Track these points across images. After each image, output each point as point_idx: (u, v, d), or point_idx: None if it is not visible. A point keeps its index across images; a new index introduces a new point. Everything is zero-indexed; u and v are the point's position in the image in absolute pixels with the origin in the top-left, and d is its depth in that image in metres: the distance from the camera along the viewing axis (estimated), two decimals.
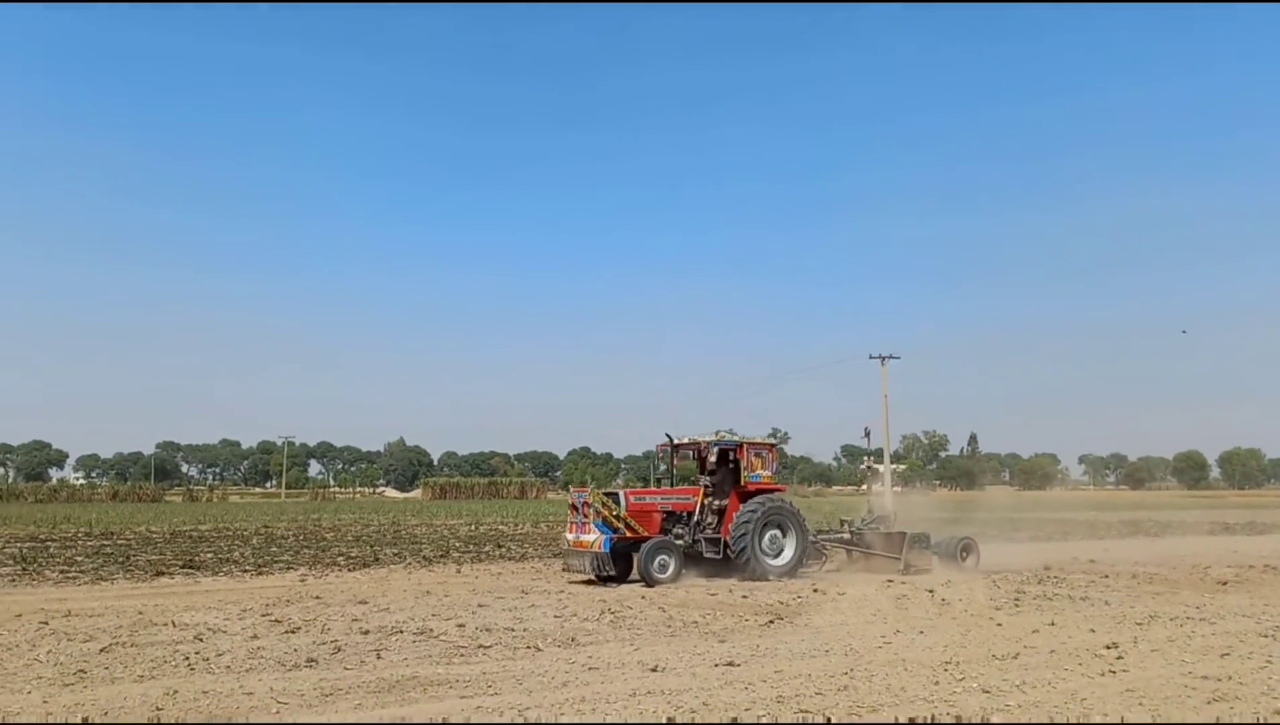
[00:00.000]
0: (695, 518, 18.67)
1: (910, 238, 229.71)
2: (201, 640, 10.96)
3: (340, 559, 23.40)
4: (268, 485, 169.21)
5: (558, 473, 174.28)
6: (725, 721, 7.03)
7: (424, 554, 24.82)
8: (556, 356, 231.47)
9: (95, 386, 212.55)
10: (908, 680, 8.86)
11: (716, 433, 19.41)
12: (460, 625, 12.06)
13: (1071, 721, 7.32)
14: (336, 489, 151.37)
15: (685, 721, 7.04)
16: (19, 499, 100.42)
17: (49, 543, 29.36)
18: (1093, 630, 11.75)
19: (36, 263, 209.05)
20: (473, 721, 7.32)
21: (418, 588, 16.89)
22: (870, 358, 66.49)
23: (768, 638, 11.38)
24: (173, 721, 7.34)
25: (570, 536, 18.29)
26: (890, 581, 16.94)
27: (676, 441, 19.74)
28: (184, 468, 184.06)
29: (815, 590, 15.74)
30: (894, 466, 76.57)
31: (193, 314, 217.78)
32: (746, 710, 7.72)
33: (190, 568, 21.05)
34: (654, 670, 9.33)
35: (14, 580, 18.66)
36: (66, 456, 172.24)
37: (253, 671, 9.34)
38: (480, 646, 10.69)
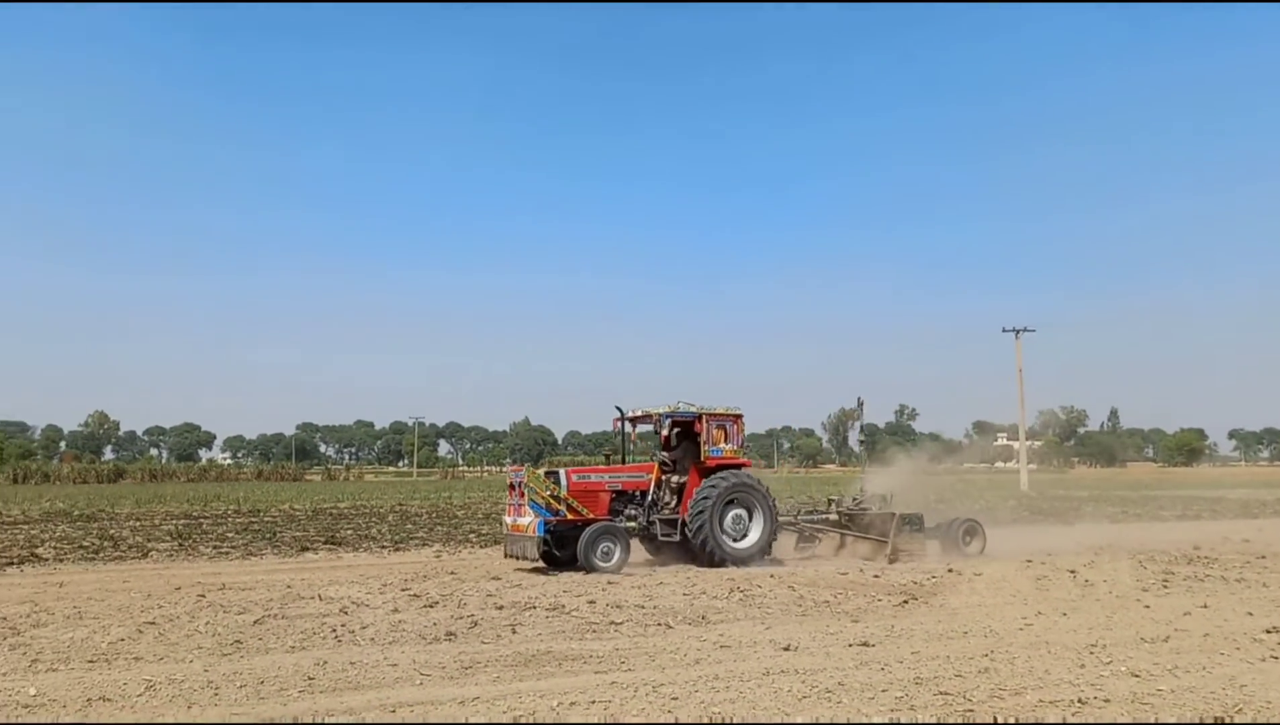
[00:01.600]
0: (650, 497, 17.14)
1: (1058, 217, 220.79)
2: (346, 613, 11.39)
3: (472, 536, 24.00)
4: (400, 464, 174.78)
5: None
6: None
7: None
8: (682, 332, 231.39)
9: (239, 371, 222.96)
10: (1051, 663, 8.58)
11: (671, 405, 17.60)
12: (591, 602, 12.21)
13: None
14: (465, 468, 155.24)
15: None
16: (172, 478, 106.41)
17: (201, 520, 30.99)
18: (1250, 613, 11.15)
19: (182, 261, 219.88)
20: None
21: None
22: (1004, 331, 64.61)
23: (902, 618, 11.17)
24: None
25: (509, 519, 16.94)
26: (1029, 562, 16.40)
27: (629, 414, 18.09)
28: (322, 448, 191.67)
29: (950, 570, 15.36)
30: (1030, 443, 74.29)
31: (326, 303, 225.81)
32: (884, 691, 7.60)
33: (332, 544, 21.92)
34: (786, 649, 9.27)
35: (172, 555, 19.77)
36: (214, 438, 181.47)
37: (395, 644, 9.66)
38: (612, 623, 10.81)
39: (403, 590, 13.45)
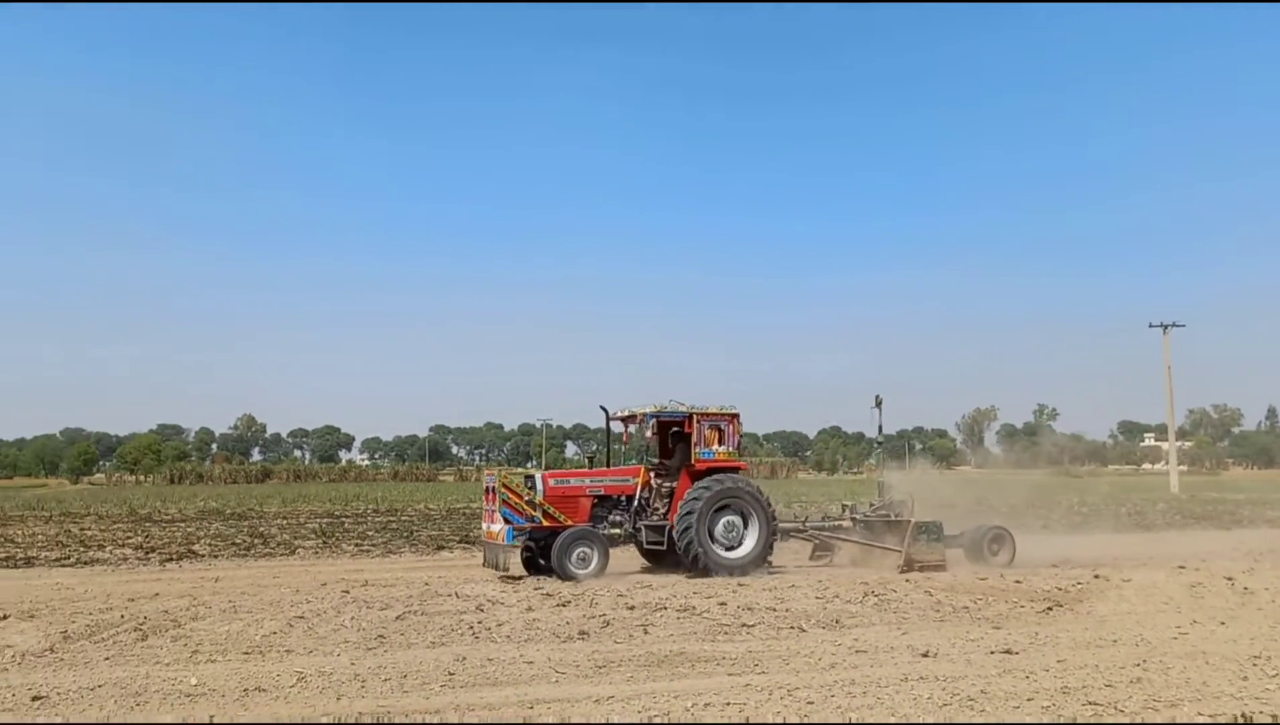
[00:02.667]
0: (636, 502, 16.12)
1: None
2: (482, 611, 11.64)
3: None
4: (528, 465, 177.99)
5: (808, 453, 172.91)
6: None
7: None
8: (809, 333, 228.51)
9: (376, 376, 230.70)
10: (1210, 674, 8.15)
11: (658, 404, 16.46)
12: (722, 604, 12.17)
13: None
14: None
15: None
16: (315, 479, 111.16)
17: (343, 518, 32.19)
18: None
19: (321, 273, 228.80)
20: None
21: (676, 565, 17.17)
22: (1150, 327, 61.67)
23: (1047, 625, 10.77)
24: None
25: (485, 526, 16.06)
26: (1181, 567, 15.60)
27: (614, 414, 17.03)
28: (454, 449, 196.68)
29: (1096, 576, 14.73)
30: (1180, 443, 70.63)
31: (459, 306, 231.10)
32: (1029, 700, 7.34)
33: (466, 543, 22.44)
34: (925, 655, 9.05)
35: (316, 552, 20.60)
36: (353, 439, 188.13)
37: (530, 642, 9.83)
38: (743, 625, 10.75)
39: (535, 589, 13.68)
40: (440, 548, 21.36)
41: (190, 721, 6.90)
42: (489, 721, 6.93)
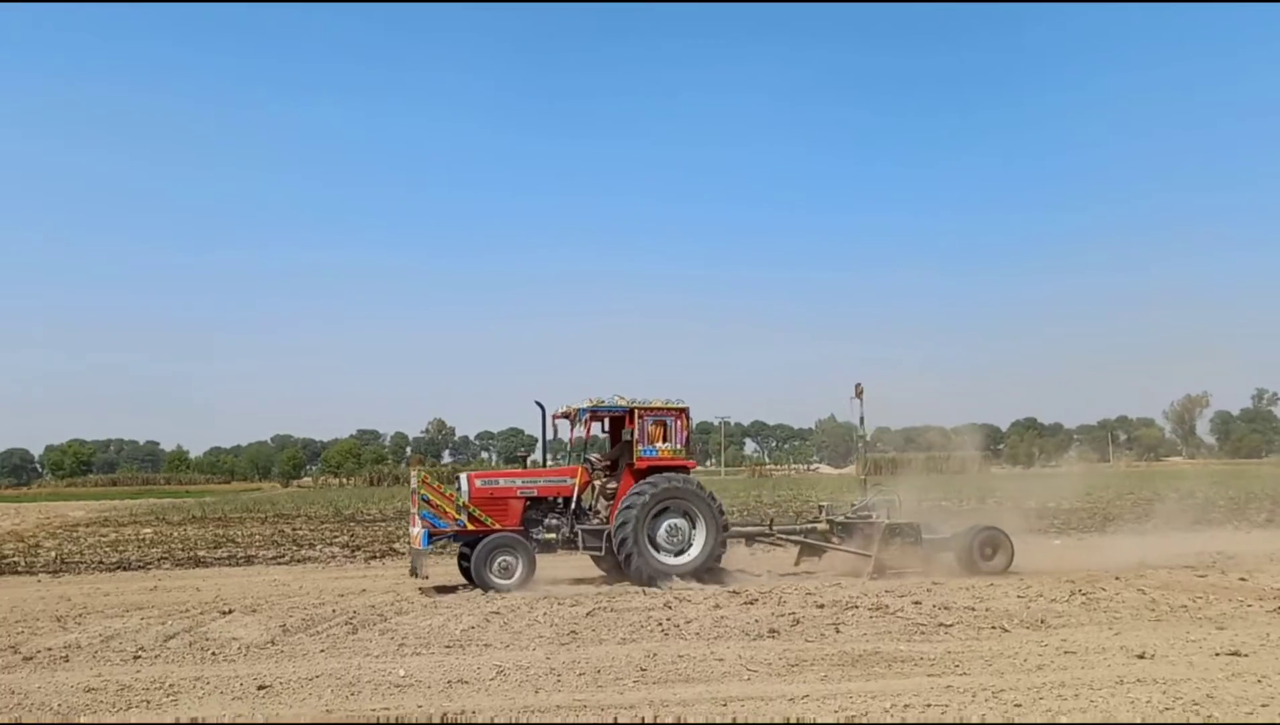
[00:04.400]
0: (575, 505, 15.08)
1: None
2: (670, 608, 11.69)
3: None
4: (708, 463, 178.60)
5: (1001, 446, 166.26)
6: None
7: None
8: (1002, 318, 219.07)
9: (560, 377, 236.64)
10: None
11: (594, 398, 15.34)
12: (916, 603, 11.80)
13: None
14: (772, 466, 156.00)
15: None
16: None
17: None
18: None
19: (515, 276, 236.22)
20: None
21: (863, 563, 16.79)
22: None
23: (1279, 626, 9.93)
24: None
25: (412, 530, 14.89)
26: None
27: (556, 413, 15.89)
28: None
29: None
30: None
31: (651, 301, 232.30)
32: (1263, 706, 6.79)
33: None
34: (1140, 657, 8.50)
35: None
36: (535, 441, 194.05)
37: (720, 639, 9.79)
38: (940, 624, 10.38)
39: (721, 586, 13.63)
40: None
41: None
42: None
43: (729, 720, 6.76)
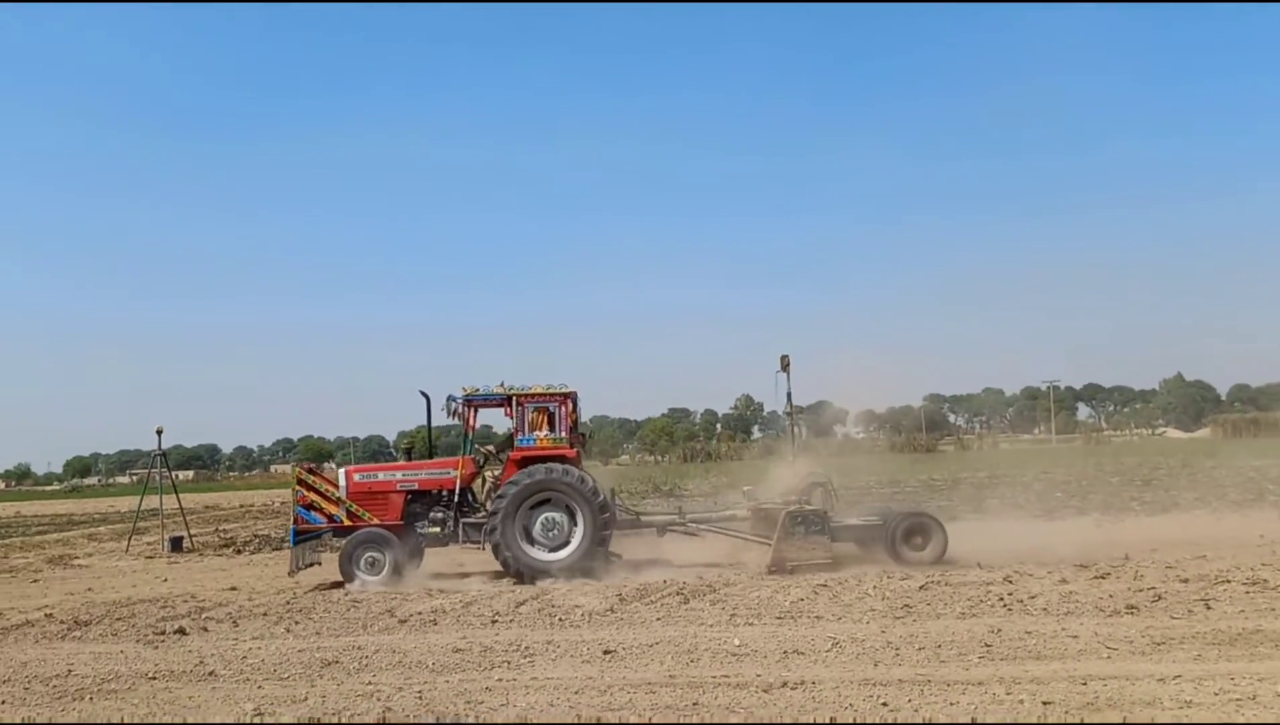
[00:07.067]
0: (458, 498, 14.12)
1: None
2: (1011, 583, 11.06)
3: (1133, 504, 22.12)
4: (1035, 431, 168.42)
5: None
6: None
7: (1231, 498, 22.25)
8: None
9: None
10: None
11: (469, 387, 14.37)
12: None
13: None
14: (1111, 432, 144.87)
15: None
16: (811, 452, 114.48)
17: (845, 490, 32.60)
18: None
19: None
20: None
21: (1233, 535, 15.14)
22: None
23: None
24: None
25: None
26: None
27: (453, 402, 14.60)
28: (951, 418, 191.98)
29: None
30: None
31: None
32: None
33: (976, 513, 21.65)
34: None
35: None
36: (847, 413, 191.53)
37: (1071, 615, 9.15)
38: None
39: (1061, 560, 12.74)
40: (951, 518, 20.77)
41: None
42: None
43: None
